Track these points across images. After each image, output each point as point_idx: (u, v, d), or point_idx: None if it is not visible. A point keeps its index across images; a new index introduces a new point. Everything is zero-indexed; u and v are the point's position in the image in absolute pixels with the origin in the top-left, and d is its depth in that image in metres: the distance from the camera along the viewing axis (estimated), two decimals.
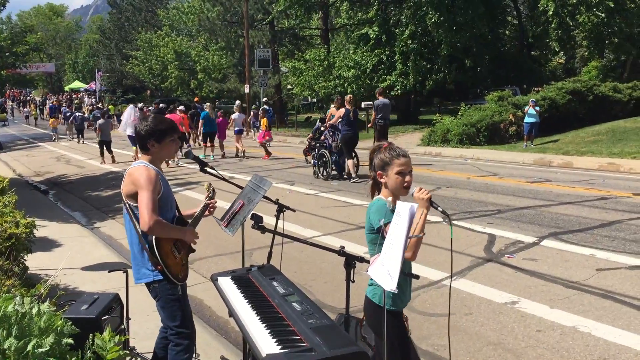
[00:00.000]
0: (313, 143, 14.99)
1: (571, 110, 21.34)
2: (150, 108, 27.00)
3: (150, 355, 4.10)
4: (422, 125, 26.73)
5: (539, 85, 27.77)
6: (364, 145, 17.19)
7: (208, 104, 22.77)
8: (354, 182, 13.09)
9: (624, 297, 5.51)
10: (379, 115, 15.93)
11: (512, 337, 4.83)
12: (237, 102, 23.29)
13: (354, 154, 13.53)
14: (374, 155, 3.12)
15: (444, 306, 5.58)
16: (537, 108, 18.88)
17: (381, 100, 16.11)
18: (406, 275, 2.90)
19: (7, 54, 23.31)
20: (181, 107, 21.91)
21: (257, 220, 3.05)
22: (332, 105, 14.98)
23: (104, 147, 19.45)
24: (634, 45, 27.57)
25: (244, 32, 33.55)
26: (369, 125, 19.19)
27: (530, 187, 11.70)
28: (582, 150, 16.94)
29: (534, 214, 9.18)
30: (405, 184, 2.94)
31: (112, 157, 19.52)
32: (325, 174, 13.86)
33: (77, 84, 73.30)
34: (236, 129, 20.52)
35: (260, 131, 19.47)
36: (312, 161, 14.83)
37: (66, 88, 77.26)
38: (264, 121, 19.54)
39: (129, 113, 20.08)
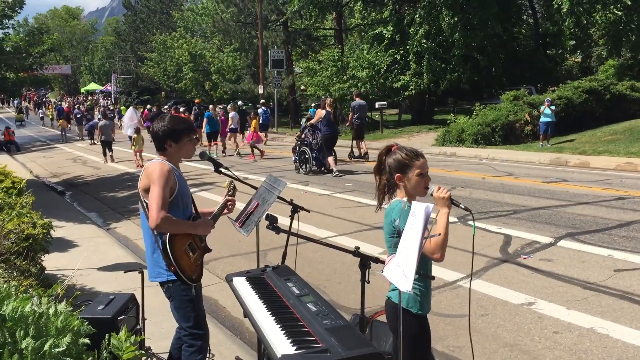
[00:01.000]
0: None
1: (588, 110, 21.11)
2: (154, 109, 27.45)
3: (165, 356, 4.12)
4: (436, 125, 26.60)
5: (555, 84, 27.54)
6: (344, 143, 18.72)
7: (211, 105, 23.81)
8: (334, 176, 14.12)
9: None
10: (355, 116, 17.02)
11: (529, 339, 4.78)
12: (240, 102, 23.86)
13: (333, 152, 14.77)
14: (385, 157, 3.03)
15: (460, 307, 5.54)
16: (553, 107, 18.71)
17: (358, 101, 17.39)
18: (421, 276, 2.87)
19: (24, 55, 23.55)
20: (182, 108, 23.10)
21: (272, 221, 3.04)
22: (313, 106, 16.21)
23: (106, 147, 20.45)
24: None
25: (257, 33, 33.64)
26: (347, 124, 20.01)
27: (546, 187, 11.60)
28: (599, 149, 16.76)
29: (550, 214, 9.10)
30: (426, 184, 2.90)
31: (111, 155, 20.52)
32: (306, 169, 15.10)
33: (93, 86, 74.03)
34: (232, 126, 20.80)
35: (249, 132, 19.78)
36: (294, 157, 15.81)
37: (82, 90, 78.09)
38: (254, 122, 19.83)
39: (130, 115, 21.35)
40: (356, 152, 17.87)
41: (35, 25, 56.44)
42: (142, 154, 18.99)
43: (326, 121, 14.70)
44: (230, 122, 20.71)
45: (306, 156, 15.10)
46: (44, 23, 72.96)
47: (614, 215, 8.84)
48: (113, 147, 20.95)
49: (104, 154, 20.51)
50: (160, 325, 4.98)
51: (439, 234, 2.64)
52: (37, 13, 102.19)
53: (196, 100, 34.96)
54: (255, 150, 19.34)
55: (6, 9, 20.53)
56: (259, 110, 25.63)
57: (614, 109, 21.32)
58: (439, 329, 5.07)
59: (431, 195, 2.86)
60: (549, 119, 18.55)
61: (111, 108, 43.51)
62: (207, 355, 3.93)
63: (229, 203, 3.80)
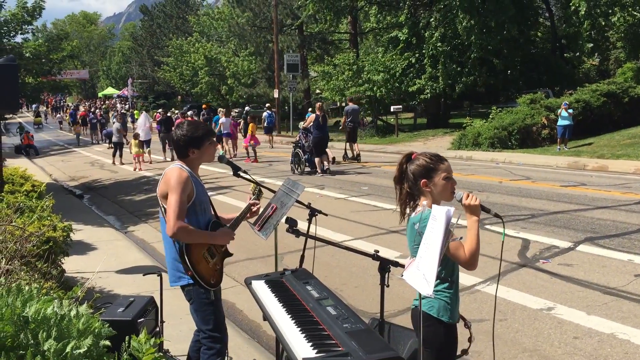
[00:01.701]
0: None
1: (606, 113, 20.89)
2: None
3: (183, 358, 4.14)
4: (452, 129, 26.49)
5: (572, 87, 27.29)
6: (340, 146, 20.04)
7: (220, 109, 24.81)
8: (319, 175, 15.24)
9: None
10: (349, 119, 18.15)
11: (549, 344, 4.74)
12: (247, 107, 24.55)
13: (328, 153, 15.85)
14: (406, 166, 2.95)
15: (478, 312, 5.51)
16: (571, 111, 18.54)
17: (351, 106, 18.60)
18: (443, 281, 2.84)
19: (43, 60, 23.84)
20: (190, 112, 24.02)
21: (292, 224, 3.05)
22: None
23: (117, 149, 21.54)
24: None
25: (273, 37, 33.76)
26: (340, 127, 21.40)
27: (564, 191, 11.49)
28: (618, 153, 16.58)
29: (569, 218, 9.01)
30: (452, 188, 2.84)
31: (121, 158, 21.47)
32: (299, 170, 16.01)
33: (110, 90, 74.71)
34: (224, 132, 21.37)
35: (248, 135, 20.48)
36: (290, 159, 16.71)
37: (100, 94, 78.85)
38: (251, 126, 20.49)
39: (143, 120, 22.09)
40: (349, 153, 18.72)
41: (54, 30, 57.16)
42: (151, 156, 20.90)
43: (316, 125, 15.45)
44: (220, 127, 21.40)
45: (299, 157, 16.03)
46: (63, 29, 73.81)
47: (634, 219, 8.73)
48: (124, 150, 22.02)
49: (113, 156, 21.68)
50: (179, 328, 5.01)
51: (460, 238, 2.62)
52: (55, 18, 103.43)
53: (204, 105, 35.52)
54: (251, 153, 20.17)
55: (25, 14, 20.79)
56: (264, 114, 26.24)
57: (633, 113, 21.07)
58: (458, 333, 5.02)
59: (459, 201, 2.78)
60: (566, 122, 18.39)
61: (124, 112, 43.96)
62: (225, 358, 3.95)
63: (253, 207, 3.80)
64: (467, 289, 6.04)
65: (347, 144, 18.82)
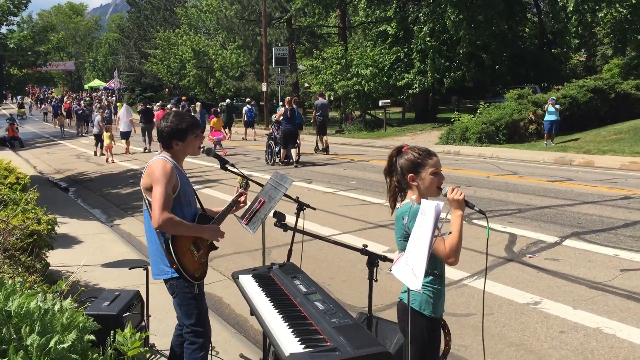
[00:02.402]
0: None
1: (592, 109, 21.03)
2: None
3: (169, 353, 4.11)
4: (440, 123, 26.56)
5: (559, 83, 27.42)
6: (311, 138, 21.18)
7: (198, 103, 26.19)
8: (282, 165, 16.20)
9: None
10: (318, 113, 19.25)
11: (535, 338, 4.76)
12: (228, 100, 27.33)
13: (297, 144, 16.52)
14: (395, 159, 2.94)
15: (464, 306, 5.52)
16: (557, 106, 18.64)
17: (321, 100, 19.89)
18: (431, 275, 2.83)
19: (29, 52, 23.56)
20: (169, 105, 25.32)
21: (280, 218, 3.02)
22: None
23: (98, 141, 21.67)
24: None
25: (261, 30, 33.61)
26: (311, 121, 22.45)
27: (551, 186, 11.56)
28: (604, 149, 16.70)
29: (556, 213, 9.06)
30: (439, 183, 2.83)
31: (102, 149, 21.35)
32: (271, 160, 16.90)
33: (96, 82, 74.03)
34: None
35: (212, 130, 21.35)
36: (265, 150, 17.62)
37: (86, 86, 78.10)
38: (213, 121, 21.52)
39: (125, 112, 22.66)
40: (320, 146, 19.67)
41: (40, 22, 56.52)
42: (130, 147, 21.91)
43: (286, 117, 16.29)
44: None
45: (273, 149, 16.91)
46: (48, 20, 73.06)
47: (620, 214, 8.80)
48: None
49: (96, 145, 21.93)
50: (165, 322, 4.97)
51: (450, 232, 2.61)
52: (41, 9, 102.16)
53: (183, 98, 35.73)
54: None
55: (11, 5, 20.51)
56: (244, 109, 27.40)
57: (619, 108, 21.23)
58: None
59: (444, 195, 2.79)
60: (553, 118, 18.50)
61: (106, 104, 43.83)
62: (210, 353, 3.92)
63: (240, 199, 3.76)
64: (455, 283, 6.06)
65: (317, 136, 19.81)
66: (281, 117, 16.65)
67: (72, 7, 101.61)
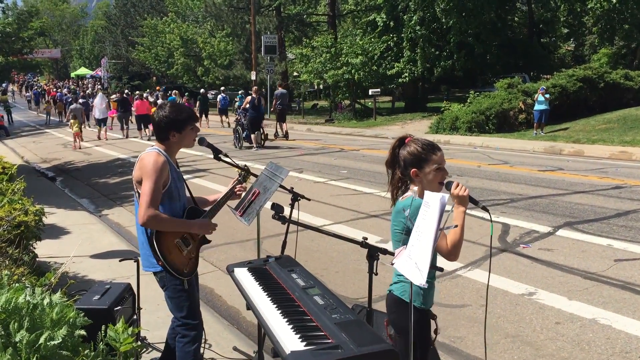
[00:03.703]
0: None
1: (582, 98, 21.07)
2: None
3: (161, 346, 4.04)
4: (430, 112, 26.52)
5: (548, 72, 27.45)
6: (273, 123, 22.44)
7: (175, 91, 28.54)
8: (255, 150, 17.34)
9: None
10: (278, 102, 20.85)
11: (531, 329, 4.73)
12: (202, 90, 29.64)
13: (262, 130, 18.14)
14: (398, 150, 2.87)
15: (459, 297, 5.48)
16: (547, 95, 18.66)
17: (280, 90, 21.43)
18: (431, 268, 2.76)
19: (13, 39, 23.15)
20: (145, 94, 26.63)
21: (278, 211, 2.94)
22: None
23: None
24: None
25: (250, 18, 33.30)
26: (271, 109, 23.99)
27: (542, 176, 11.55)
28: (593, 138, 16.75)
29: (548, 203, 9.05)
30: (443, 178, 2.77)
31: (81, 135, 21.82)
32: (239, 144, 18.18)
33: (83, 70, 73.21)
34: None
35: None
36: (233, 135, 18.99)
37: (72, 74, 77.18)
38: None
39: (100, 100, 23.93)
40: (280, 132, 20.98)
41: (25, 8, 55.62)
42: (107, 133, 23.26)
43: (252, 105, 17.72)
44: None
45: (238, 134, 18.33)
46: (33, 6, 71.90)
47: (612, 204, 8.80)
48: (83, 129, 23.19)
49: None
50: (156, 315, 4.88)
51: (455, 226, 2.53)
52: None
53: (157, 87, 35.91)
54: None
55: None
56: (219, 97, 29.15)
57: (608, 98, 21.29)
58: (439, 319, 4.98)
59: (448, 190, 2.72)
60: (543, 107, 18.51)
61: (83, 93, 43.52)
62: (203, 346, 3.85)
63: (237, 191, 3.67)
64: (449, 274, 6.01)
65: (277, 123, 21.21)
66: (248, 105, 17.98)
67: None
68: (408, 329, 2.71)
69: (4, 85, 60.41)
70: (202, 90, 29.63)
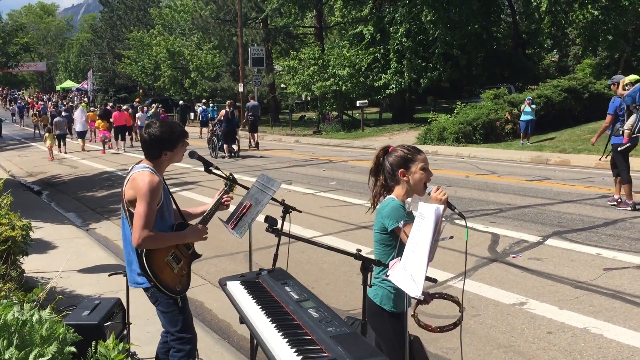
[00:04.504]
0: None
1: (567, 108, 21.28)
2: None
3: None
4: (417, 123, 26.64)
5: (533, 83, 27.73)
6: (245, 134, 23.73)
7: (153, 104, 29.13)
8: (225, 160, 18.35)
9: (634, 298, 5.42)
10: (250, 114, 22.28)
11: (523, 340, 4.73)
12: (181, 102, 32.15)
13: (237, 140, 19.59)
14: (383, 158, 3.03)
15: (451, 308, 5.44)
16: (534, 106, 18.83)
17: (252, 102, 22.99)
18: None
19: None
20: (125, 107, 27.43)
21: (272, 223, 2.93)
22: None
23: (60, 140, 23.20)
24: (628, 42, 27.59)
25: (237, 31, 33.35)
26: (243, 120, 25.28)
27: (530, 186, 11.62)
28: (579, 148, 16.90)
29: (536, 212, 9.10)
30: (428, 179, 2.93)
31: (65, 148, 23.48)
32: (214, 154, 19.50)
33: (69, 83, 72.81)
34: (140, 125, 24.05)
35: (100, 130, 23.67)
36: (209, 145, 20.37)
37: (58, 87, 76.77)
38: (98, 122, 23.76)
39: (80, 114, 24.90)
40: (252, 142, 22.36)
41: (10, 22, 55.37)
42: (85, 144, 24.28)
43: (226, 118, 18.89)
44: (137, 121, 24.55)
45: (215, 144, 19.68)
46: (18, 20, 71.63)
47: (599, 213, 8.87)
48: (67, 141, 24.30)
49: (59, 146, 23.15)
50: (146, 329, 4.83)
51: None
52: (11, 9, 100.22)
53: (136, 99, 36.16)
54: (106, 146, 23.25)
55: None
56: (199, 109, 30.35)
57: (593, 108, 21.47)
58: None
59: (428, 194, 2.82)
60: (529, 117, 18.68)
61: (64, 107, 43.46)
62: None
63: (224, 201, 3.64)
64: (440, 285, 6.00)
65: (250, 134, 22.58)
66: (222, 118, 19.13)
67: (43, 7, 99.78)
68: (381, 331, 2.93)
69: None
70: (181, 102, 31.12)
